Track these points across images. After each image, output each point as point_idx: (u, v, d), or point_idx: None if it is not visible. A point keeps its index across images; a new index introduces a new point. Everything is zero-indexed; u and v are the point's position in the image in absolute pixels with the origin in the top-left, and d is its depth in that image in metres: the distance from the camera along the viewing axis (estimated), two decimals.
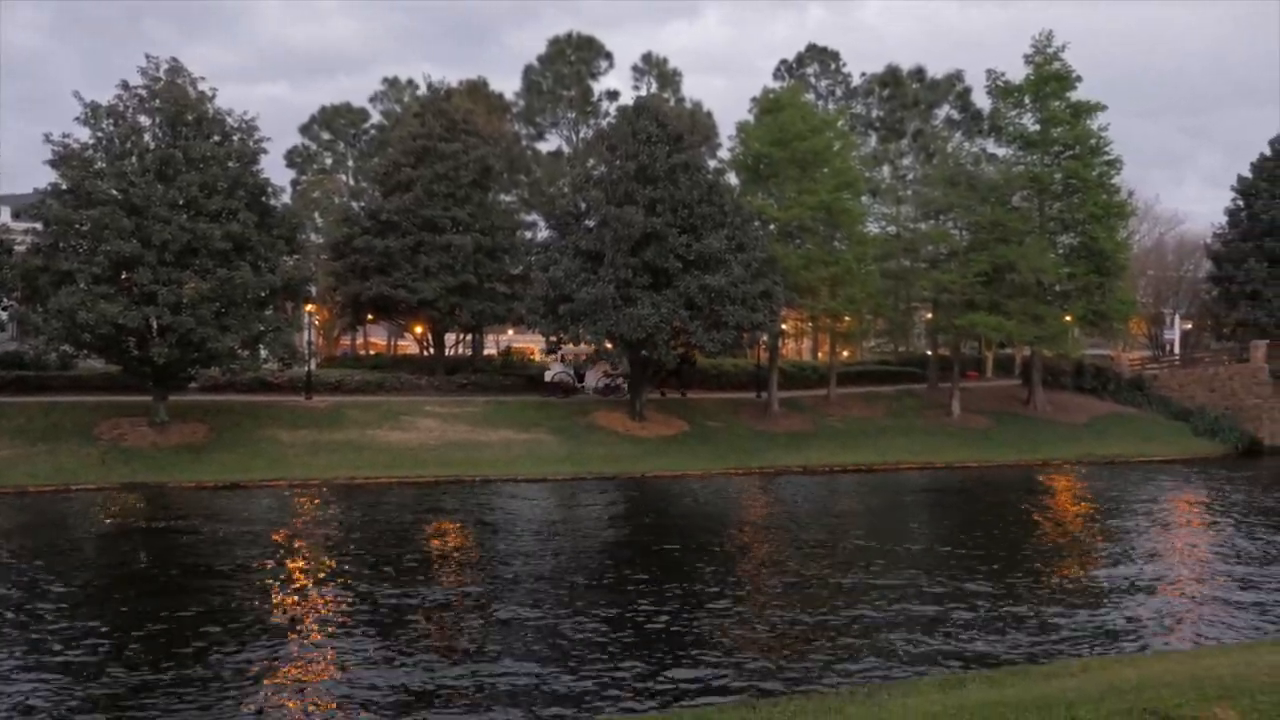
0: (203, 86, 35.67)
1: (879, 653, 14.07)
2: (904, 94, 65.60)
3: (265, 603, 16.76)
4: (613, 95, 65.15)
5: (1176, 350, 72.66)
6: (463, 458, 35.65)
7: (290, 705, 11.91)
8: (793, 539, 23.53)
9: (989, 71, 48.36)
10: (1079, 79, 47.05)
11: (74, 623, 15.27)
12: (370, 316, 51.18)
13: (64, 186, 33.73)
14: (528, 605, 16.62)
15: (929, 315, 52.99)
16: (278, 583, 18.22)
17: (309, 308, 44.32)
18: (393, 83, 71.58)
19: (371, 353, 70.02)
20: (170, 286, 32.53)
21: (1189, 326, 74.30)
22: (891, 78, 66.06)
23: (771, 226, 44.75)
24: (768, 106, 46.26)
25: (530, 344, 75.74)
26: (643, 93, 63.63)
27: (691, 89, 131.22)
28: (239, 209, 34.11)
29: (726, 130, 68.43)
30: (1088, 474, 38.59)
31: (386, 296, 45.51)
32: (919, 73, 66.31)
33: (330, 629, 15.18)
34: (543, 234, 50.91)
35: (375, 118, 71.94)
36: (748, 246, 40.28)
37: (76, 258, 32.81)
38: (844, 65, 66.95)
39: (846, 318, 46.67)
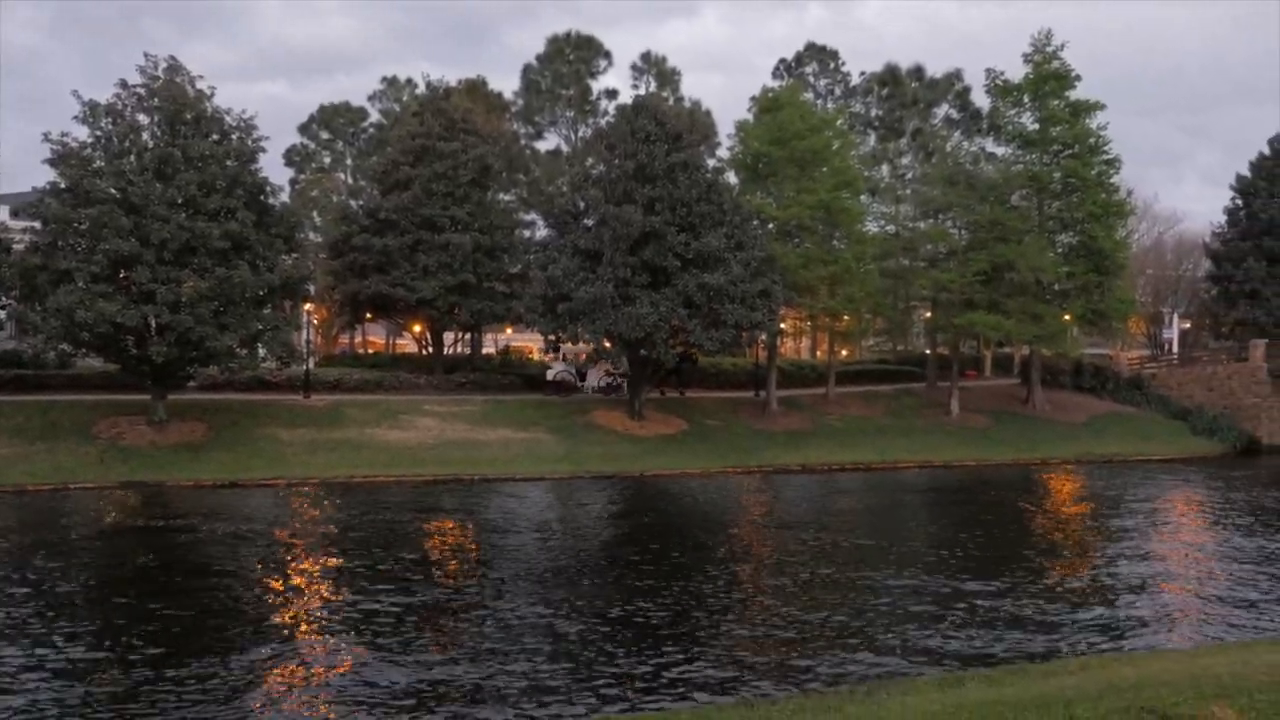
0: (201, 85, 35.65)
1: (878, 651, 14.07)
2: (903, 93, 65.61)
3: (264, 602, 16.76)
4: (611, 94, 65.15)
5: (1175, 349, 72.66)
6: (461, 456, 35.64)
7: (290, 705, 11.91)
8: (791, 537, 23.54)
9: (988, 70, 48.43)
10: (1078, 78, 47.09)
11: (73, 622, 15.26)
12: (369, 315, 51.16)
13: (62, 185, 33.67)
14: (526, 604, 16.62)
15: (928, 314, 53.01)
16: (276, 582, 18.22)
17: (307, 306, 44.30)
18: (391, 82, 71.58)
19: (370, 351, 69.98)
20: (169, 285, 32.50)
21: (1188, 326, 74.32)
22: (890, 77, 66.08)
23: (770, 225, 44.75)
24: (766, 105, 46.25)
25: (529, 343, 75.70)
26: (641, 91, 63.63)
27: (690, 88, 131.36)
28: (237, 208, 34.07)
29: (725, 129, 68.38)
30: (1086, 473, 38.62)
31: (385, 295, 45.48)
32: (918, 72, 66.33)
33: (328, 628, 15.18)
34: (541, 233, 50.90)
35: (374, 116, 71.96)
36: (746, 245, 40.28)
37: (75, 256, 32.77)
38: (843, 64, 67.02)
39: (845, 317, 46.67)
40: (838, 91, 66.88)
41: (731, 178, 46.96)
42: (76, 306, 31.18)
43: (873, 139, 65.98)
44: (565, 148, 65.62)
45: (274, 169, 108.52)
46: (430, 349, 52.22)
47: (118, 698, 11.91)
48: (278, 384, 41.71)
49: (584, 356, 47.70)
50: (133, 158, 34.13)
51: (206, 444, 34.60)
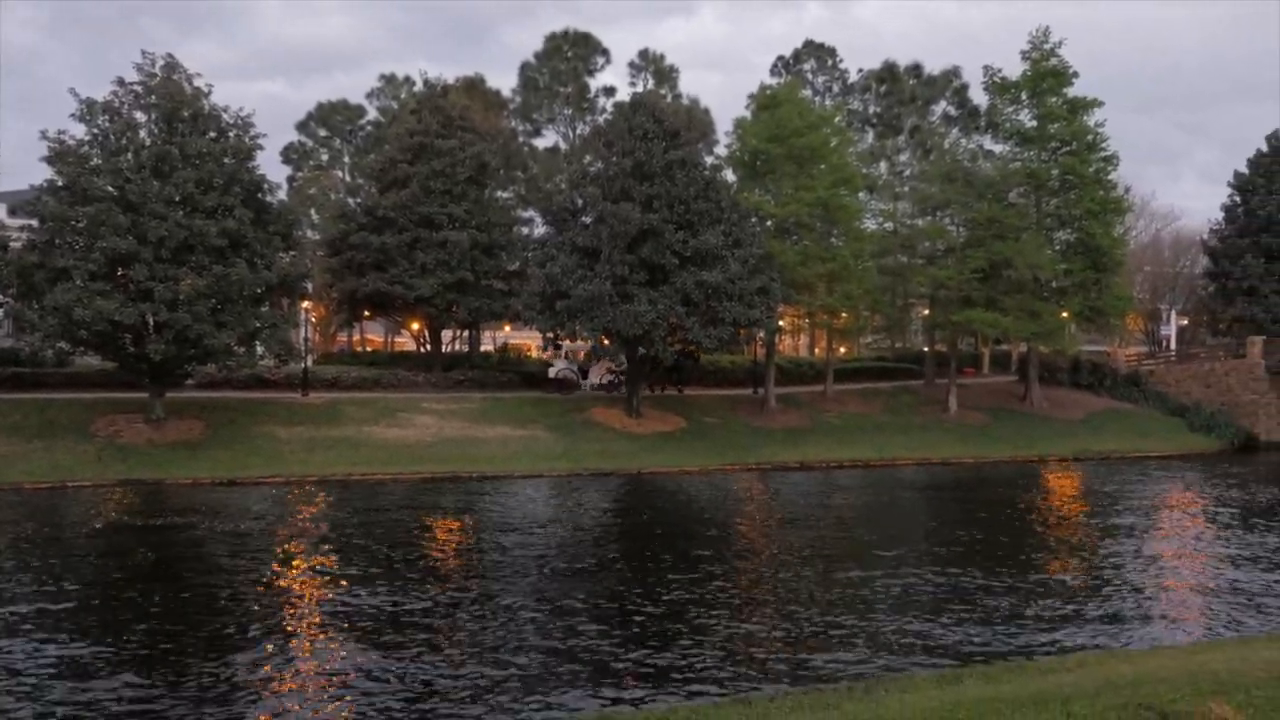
0: (199, 83, 35.60)
1: (876, 647, 14.09)
2: (901, 90, 65.59)
3: (263, 601, 16.74)
4: (609, 91, 65.13)
5: (1173, 346, 72.73)
6: (459, 454, 35.64)
7: (289, 706, 11.91)
8: (789, 535, 23.55)
9: (986, 68, 48.48)
10: (1076, 75, 47.13)
11: (69, 622, 15.26)
12: (367, 313, 51.10)
13: (60, 183, 33.63)
14: (524, 601, 16.63)
15: (926, 311, 53.03)
16: (274, 580, 18.21)
17: (305, 304, 44.26)
18: (389, 79, 71.46)
19: (368, 349, 69.91)
20: (166, 283, 32.47)
21: (1185, 322, 74.40)
22: (889, 74, 66.05)
23: (768, 223, 44.74)
24: (765, 103, 46.21)
25: (527, 340, 75.66)
26: (639, 89, 63.53)
27: (688, 85, 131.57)
28: (235, 205, 34.04)
29: (723, 127, 68.42)
30: (1084, 470, 38.66)
31: (383, 293, 45.45)
32: (916, 69, 66.29)
33: (327, 627, 15.18)
34: (539, 230, 50.89)
35: (372, 114, 71.83)
36: (744, 243, 40.27)
37: (72, 254, 32.73)
38: (841, 61, 67.00)
39: (843, 314, 46.68)
40: (836, 89, 66.87)
41: (729, 175, 46.96)
42: (74, 304, 31.15)
43: (871, 136, 65.94)
44: (563, 145, 65.59)
45: (272, 167, 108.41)
46: (428, 347, 52.19)
47: (114, 700, 11.90)
48: (276, 382, 41.69)
49: (581, 355, 47.72)
50: (130, 155, 34.11)
51: (204, 442, 34.58)
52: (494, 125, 58.07)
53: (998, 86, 48.24)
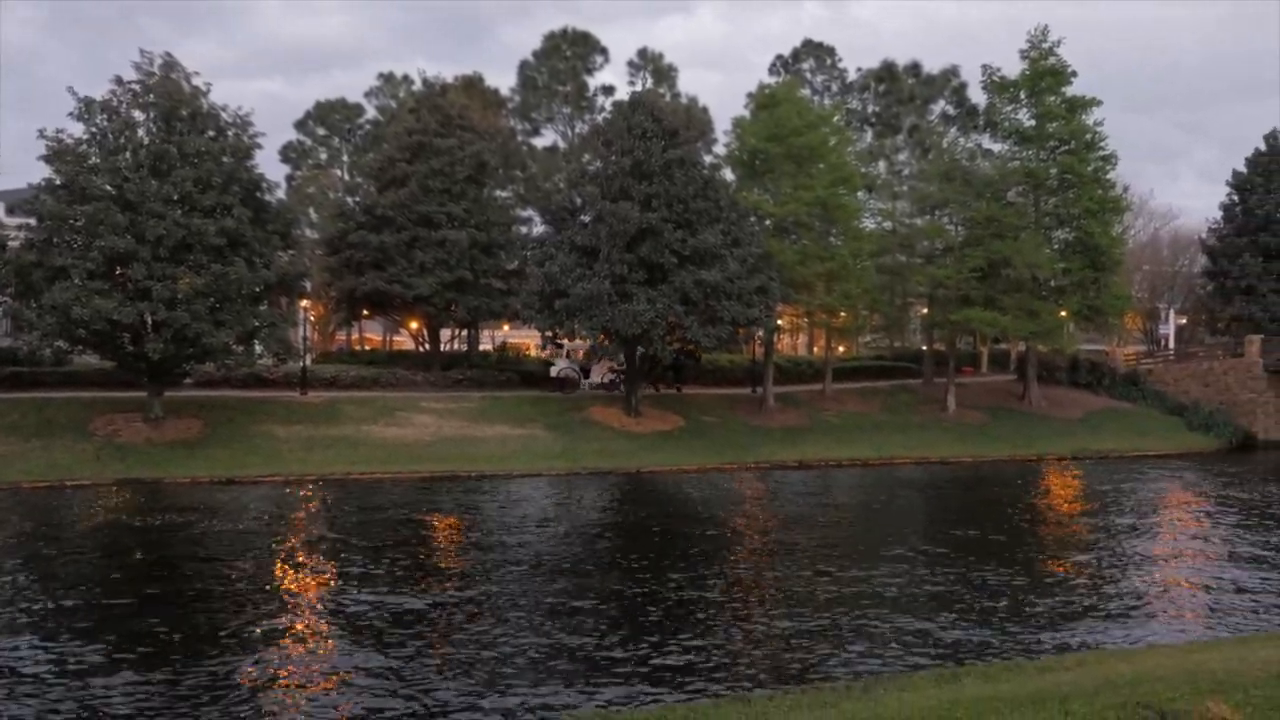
0: (197, 82, 35.56)
1: (875, 647, 14.10)
2: (899, 89, 65.54)
3: (261, 601, 16.74)
4: (608, 90, 65.06)
5: (1171, 345, 72.77)
6: (458, 453, 35.64)
7: (287, 706, 11.90)
8: (787, 533, 23.56)
9: (984, 67, 48.48)
10: (1074, 74, 47.13)
11: (67, 621, 15.25)
12: (365, 312, 51.07)
13: (58, 182, 33.59)
14: (522, 601, 16.63)
15: (924, 310, 53.04)
16: (274, 580, 18.21)
17: (304, 303, 44.25)
18: (388, 78, 71.40)
19: (367, 348, 69.89)
20: (165, 282, 32.44)
21: (1184, 321, 74.45)
22: (887, 73, 65.99)
23: (767, 222, 44.73)
24: (763, 102, 46.19)
25: (526, 339, 75.61)
26: (638, 88, 63.49)
27: (686, 84, 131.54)
28: (233, 204, 34.01)
29: (722, 126, 68.35)
30: (1082, 468, 38.68)
31: (382, 292, 45.41)
32: (915, 68, 66.24)
33: (324, 626, 15.18)
34: (538, 229, 50.83)
35: (370, 113, 71.78)
36: (743, 242, 40.27)
37: (71, 253, 32.69)
38: (840, 61, 66.92)
39: (842, 313, 46.67)
40: (834, 88, 66.81)
41: (728, 174, 46.96)
42: (72, 303, 31.13)
43: (869, 135, 65.88)
44: (562, 144, 65.53)
45: (270, 165, 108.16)
46: (427, 346, 52.17)
47: (115, 697, 11.90)
48: (274, 381, 41.66)
49: (580, 354, 47.73)
50: (128, 154, 34.07)
51: (203, 441, 34.56)
52: (493, 124, 58.01)
53: (996, 85, 48.24)
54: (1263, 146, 60.03)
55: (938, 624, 15.32)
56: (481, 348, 62.17)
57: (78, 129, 34.14)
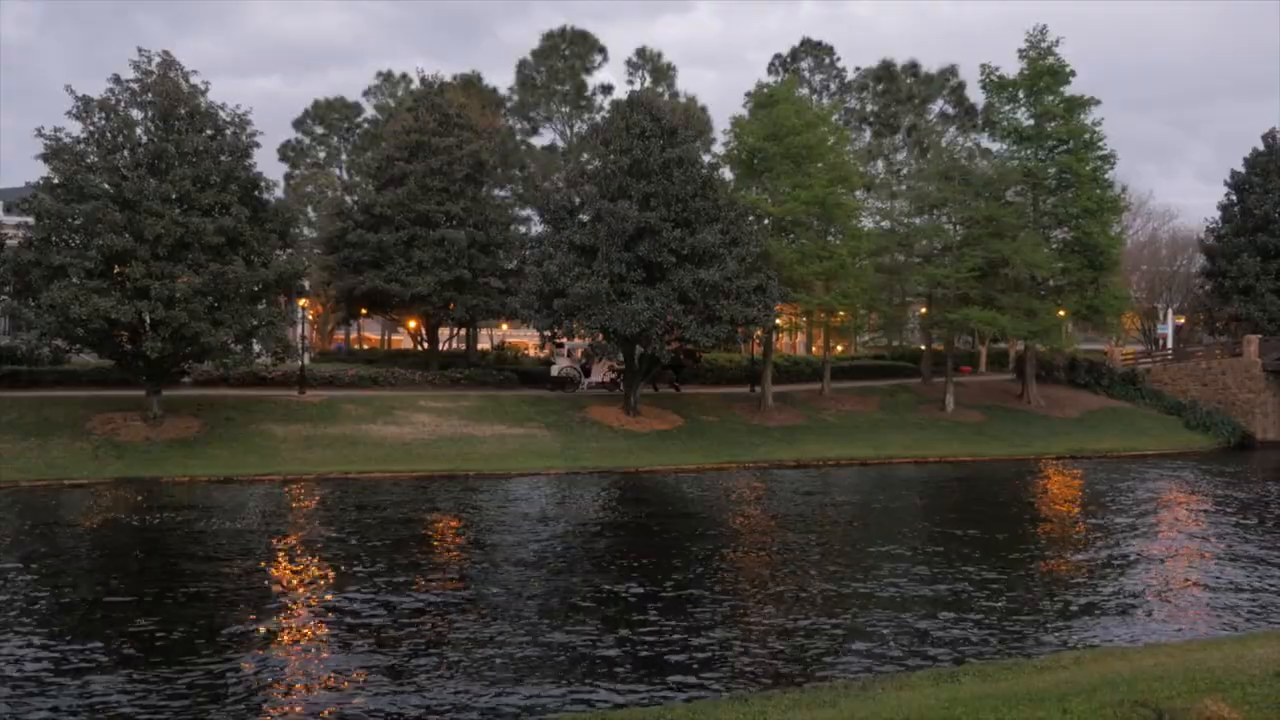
0: (195, 80, 35.53)
1: (873, 645, 14.10)
2: (898, 88, 65.65)
3: (259, 599, 16.74)
4: (606, 89, 65.15)
5: (1170, 345, 72.77)
6: (456, 452, 35.62)
7: (285, 705, 11.90)
8: (785, 533, 23.56)
9: (983, 66, 48.46)
10: (1073, 73, 47.13)
11: (65, 621, 15.24)
12: (364, 311, 51.09)
13: (56, 180, 33.56)
14: (520, 600, 16.63)
15: (923, 310, 53.06)
16: (271, 579, 18.20)
17: (302, 302, 44.24)
18: (386, 77, 71.50)
19: (365, 347, 69.93)
20: (163, 281, 32.42)
21: (1182, 321, 74.46)
22: (885, 72, 66.11)
23: (766, 221, 44.73)
24: (762, 101, 46.19)
25: (524, 339, 75.68)
26: (636, 87, 63.56)
27: (685, 83, 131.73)
28: (232, 203, 34.00)
29: (720, 125, 68.46)
30: (1081, 468, 38.69)
31: (380, 291, 45.42)
32: (913, 67, 66.37)
33: (322, 626, 15.17)
34: (537, 228, 50.86)
35: (369, 112, 71.88)
36: (742, 241, 40.26)
37: (69, 252, 32.65)
38: (838, 60, 67.07)
39: (840, 312, 46.66)
40: (833, 87, 66.93)
41: (727, 173, 46.93)
42: (70, 302, 31.10)
43: (868, 134, 66.01)
44: (560, 143, 65.61)
45: (268, 164, 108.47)
46: (425, 345, 52.18)
47: (114, 696, 11.89)
48: (272, 380, 41.62)
49: (579, 353, 47.74)
50: (126, 153, 34.06)
51: (201, 440, 34.54)
52: (491, 123, 58.06)
53: (995, 85, 48.24)
54: (1261, 146, 59.99)
55: (936, 623, 15.33)
56: (480, 347, 62.20)
57: (76, 127, 34.20)
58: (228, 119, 35.94)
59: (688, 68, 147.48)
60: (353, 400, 40.14)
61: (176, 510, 25.57)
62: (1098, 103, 47.01)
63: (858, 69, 66.82)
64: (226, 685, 12.28)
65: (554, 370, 48.04)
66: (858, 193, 49.55)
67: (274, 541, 21.76)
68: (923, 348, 56.87)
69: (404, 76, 70.20)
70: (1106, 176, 47.77)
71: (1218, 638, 14.37)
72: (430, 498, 28.79)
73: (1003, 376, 57.46)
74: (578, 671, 12.95)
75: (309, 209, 64.64)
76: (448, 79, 58.68)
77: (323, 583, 17.81)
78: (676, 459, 37.35)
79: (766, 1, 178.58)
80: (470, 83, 63.70)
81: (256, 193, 36.52)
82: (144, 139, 34.39)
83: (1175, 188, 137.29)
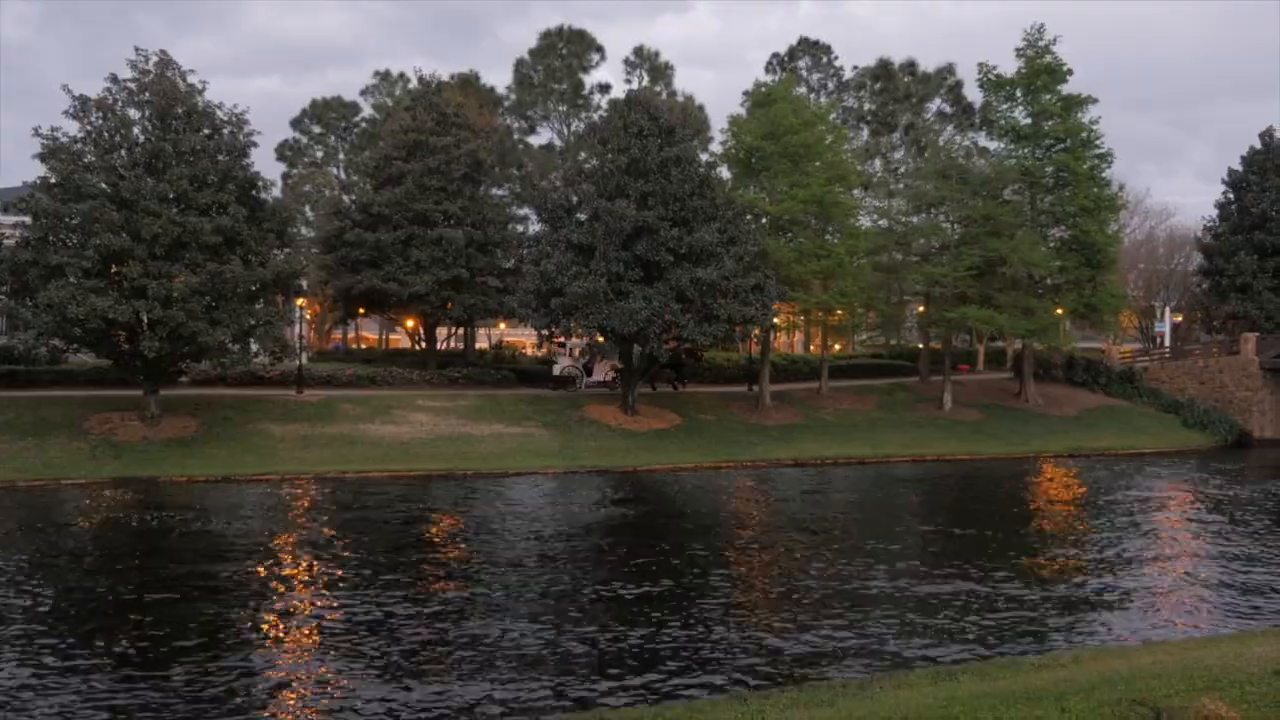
0: (192, 80, 35.49)
1: (871, 644, 14.10)
2: (895, 87, 65.65)
3: (257, 600, 16.72)
4: (604, 89, 65.12)
5: (1167, 343, 72.83)
6: (454, 452, 35.61)
7: (284, 704, 11.89)
8: (784, 532, 23.57)
9: (980, 65, 48.50)
10: (1070, 72, 47.15)
11: (62, 621, 15.22)
12: (361, 310, 51.04)
13: (53, 180, 33.51)
14: (519, 599, 16.62)
15: (921, 308, 53.08)
16: (269, 579, 18.19)
17: (300, 301, 44.19)
18: (384, 76, 71.41)
19: (363, 347, 69.88)
20: (160, 280, 32.39)
21: (1179, 319, 74.51)
22: (883, 71, 66.10)
23: (763, 220, 44.73)
24: (759, 100, 46.18)
25: (522, 338, 75.66)
26: (634, 86, 63.54)
27: (683, 82, 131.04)
28: (229, 203, 33.96)
29: (718, 124, 68.50)
30: (1078, 466, 38.72)
31: (378, 290, 45.39)
32: (910, 66, 66.37)
33: (320, 625, 15.16)
34: (534, 228, 50.82)
35: (366, 111, 71.80)
36: (739, 240, 40.26)
37: (66, 251, 32.61)
38: (835, 59, 67.03)
39: (838, 311, 46.67)
40: (830, 86, 66.91)
41: (724, 172, 46.93)
42: (68, 302, 31.06)
43: (865, 133, 65.99)
44: (558, 142, 65.56)
45: (266, 164, 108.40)
46: (423, 344, 52.15)
47: (113, 695, 11.88)
48: (270, 379, 41.60)
49: (578, 352, 47.74)
50: (123, 152, 34.02)
51: (199, 439, 34.51)
52: (489, 122, 58.01)
53: (992, 84, 48.26)
54: (1258, 144, 60.07)
55: (934, 621, 15.33)
56: (478, 346, 62.17)
57: (73, 127, 34.16)
58: (225, 118, 35.91)
59: (686, 67, 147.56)
60: (350, 400, 40.12)
61: (174, 510, 25.54)
62: (1095, 101, 47.09)
63: (855, 68, 66.88)
64: (225, 684, 12.26)
65: (556, 369, 48.05)
66: (855, 191, 49.56)
67: (272, 541, 21.75)
68: (920, 346, 56.89)
69: (401, 76, 70.21)
70: (1104, 175, 47.83)
71: (1216, 636, 14.38)
72: (428, 497, 28.78)
73: (1000, 375, 57.50)
74: (576, 671, 12.95)
75: (306, 208, 64.60)
76: (445, 78, 58.68)
77: (320, 582, 17.80)
78: (674, 458, 37.35)
79: (765, 1, 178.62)
80: (468, 82, 63.65)
81: (254, 192, 36.49)
82: (141, 138, 34.35)
83: (1175, 187, 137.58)
